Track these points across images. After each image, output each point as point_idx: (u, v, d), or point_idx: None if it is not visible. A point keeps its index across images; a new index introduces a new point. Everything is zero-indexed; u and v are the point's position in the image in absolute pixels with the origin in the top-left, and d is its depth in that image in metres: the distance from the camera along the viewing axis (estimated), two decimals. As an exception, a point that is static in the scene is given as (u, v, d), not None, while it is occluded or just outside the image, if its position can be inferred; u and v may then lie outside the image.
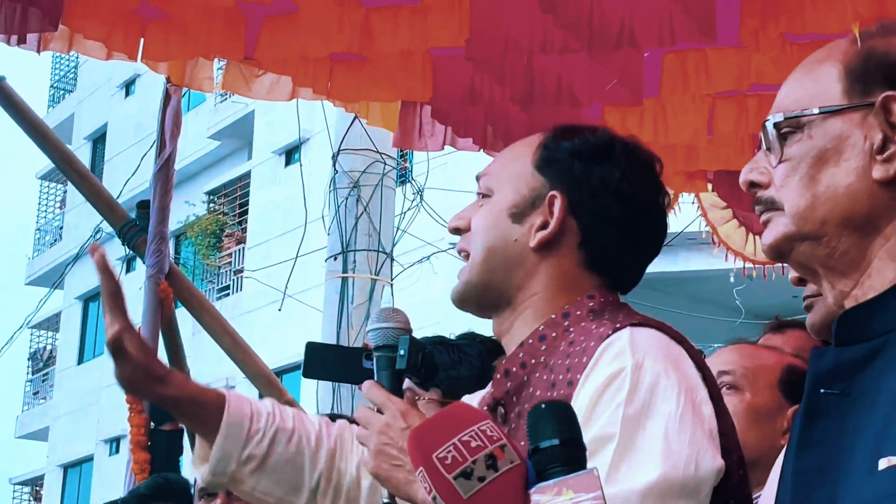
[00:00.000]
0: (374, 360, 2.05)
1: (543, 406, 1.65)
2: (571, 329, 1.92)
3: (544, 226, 1.98)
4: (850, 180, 1.48)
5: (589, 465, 1.64)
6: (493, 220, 2.01)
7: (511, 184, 2.02)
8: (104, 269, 2.08)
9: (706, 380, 1.87)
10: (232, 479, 2.19)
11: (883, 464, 1.33)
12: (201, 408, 2.18)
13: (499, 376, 1.96)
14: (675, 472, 1.71)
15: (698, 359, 1.90)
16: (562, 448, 1.59)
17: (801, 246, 1.52)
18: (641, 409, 1.75)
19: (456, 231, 2.07)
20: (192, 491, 4.75)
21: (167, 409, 2.25)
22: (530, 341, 1.95)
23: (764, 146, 1.56)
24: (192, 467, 2.25)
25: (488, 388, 2.04)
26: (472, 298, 2.04)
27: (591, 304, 1.96)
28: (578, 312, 1.94)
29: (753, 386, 2.60)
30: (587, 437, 1.68)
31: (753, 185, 1.58)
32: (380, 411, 1.95)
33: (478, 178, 2.07)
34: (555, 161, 2.02)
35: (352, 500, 2.23)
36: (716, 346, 4.06)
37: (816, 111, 1.51)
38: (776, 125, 1.54)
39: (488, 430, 1.63)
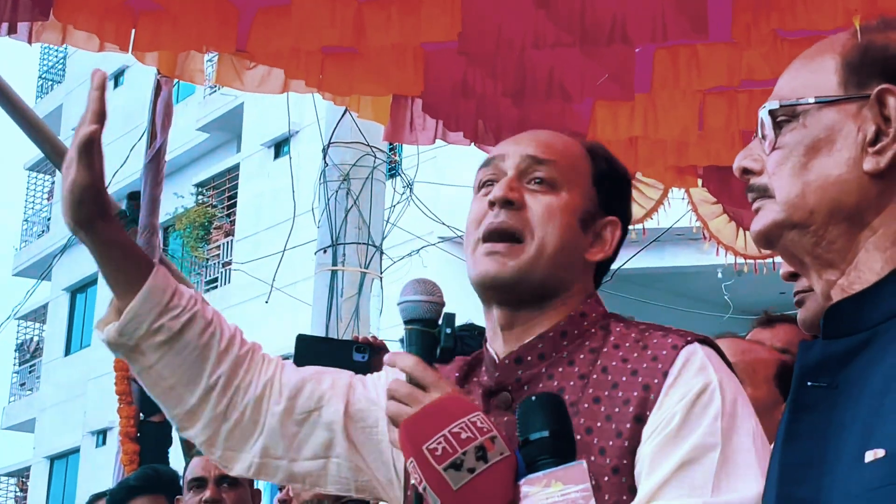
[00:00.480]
0: (406, 333, 1.95)
1: (534, 398, 1.66)
2: (592, 329, 1.96)
3: (594, 243, 2.03)
4: (840, 171, 1.48)
5: (692, 470, 1.69)
6: (566, 220, 1.99)
7: (579, 189, 2.02)
8: (100, 88, 2.12)
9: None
10: (136, 348, 2.10)
11: (869, 456, 1.34)
12: (130, 262, 2.09)
13: (507, 362, 1.95)
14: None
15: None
16: (551, 440, 1.60)
17: (789, 234, 1.52)
18: (731, 423, 1.78)
19: (507, 203, 1.97)
20: (181, 482, 4.75)
21: (97, 249, 2.08)
22: (551, 335, 1.95)
23: (759, 134, 1.57)
24: (96, 329, 2.15)
25: (483, 373, 2.02)
26: (528, 289, 1.96)
27: (599, 307, 2.02)
28: (594, 315, 1.98)
29: (752, 380, 2.60)
30: (687, 444, 1.73)
31: (746, 171, 1.59)
32: (419, 387, 1.86)
33: (535, 159, 2.01)
34: (609, 180, 2.06)
35: (248, 420, 2.14)
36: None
37: (812, 100, 1.52)
38: (771, 112, 1.55)
39: (479, 422, 1.63)
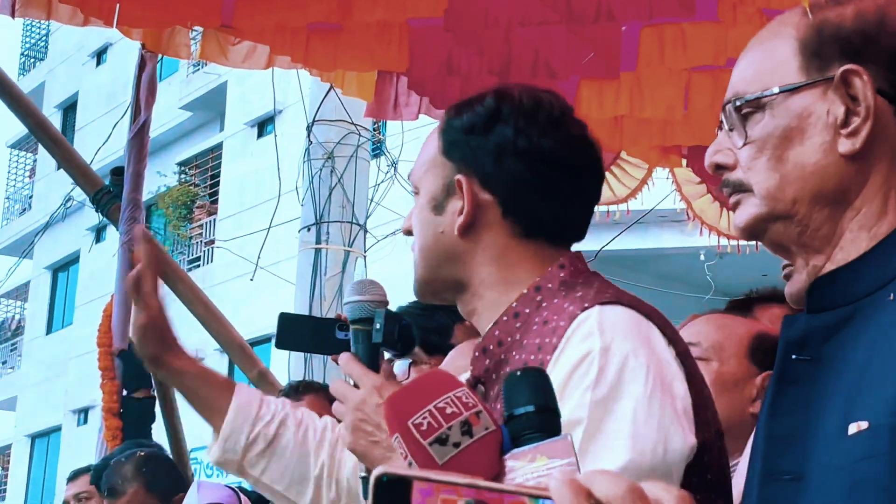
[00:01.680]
0: (351, 333, 2.04)
1: (518, 373, 1.66)
2: (545, 303, 1.89)
3: (462, 211, 1.95)
4: (816, 157, 1.48)
5: None
6: (421, 217, 2.00)
7: (428, 177, 2.00)
8: (148, 239, 2.29)
9: (681, 355, 1.84)
10: (241, 464, 2.23)
11: (853, 428, 1.34)
12: (209, 386, 2.23)
13: (477, 354, 1.94)
14: (643, 457, 1.69)
15: (671, 334, 1.86)
16: (537, 415, 1.60)
17: (773, 226, 1.52)
18: (609, 392, 1.72)
19: (407, 233, 2.08)
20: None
21: (174, 380, 2.26)
22: (505, 318, 1.91)
23: (726, 127, 1.55)
24: (207, 455, 2.27)
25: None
26: (427, 293, 2.05)
27: (561, 274, 1.92)
28: (550, 285, 1.90)
29: (720, 356, 2.61)
30: None
31: (719, 167, 1.57)
32: (356, 385, 1.97)
33: (409, 179, 2.09)
34: (454, 143, 1.97)
35: (351, 490, 2.26)
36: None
37: (776, 90, 1.50)
38: (737, 108, 1.53)
39: (464, 397, 1.63)
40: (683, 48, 4.00)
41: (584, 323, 1.77)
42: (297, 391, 4.04)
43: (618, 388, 1.72)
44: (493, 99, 1.98)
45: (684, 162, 5.01)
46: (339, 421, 2.02)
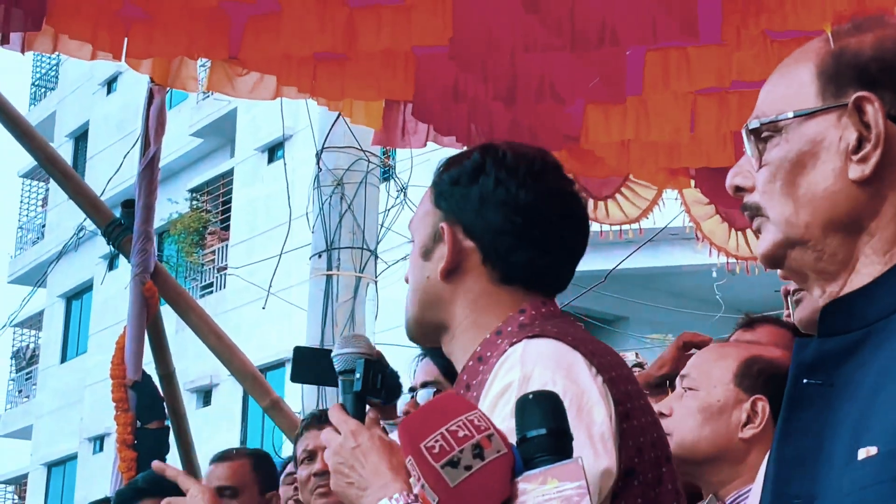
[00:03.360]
0: (340, 384, 2.10)
1: (531, 396, 1.68)
2: (505, 346, 1.97)
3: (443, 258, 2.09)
4: (827, 183, 1.48)
5: None
6: (413, 263, 2.14)
7: (420, 226, 2.15)
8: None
9: (610, 382, 1.93)
10: None
11: (862, 454, 1.34)
12: None
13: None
14: None
15: (603, 363, 1.95)
16: (548, 437, 1.62)
17: (792, 252, 1.52)
18: None
19: (408, 281, 2.18)
20: None
21: None
22: (470, 363, 2.02)
23: (748, 150, 1.56)
24: None
25: None
26: (416, 335, 2.17)
27: (521, 318, 2.02)
28: (510, 328, 2.00)
29: (706, 384, 2.63)
30: None
31: (739, 189, 1.58)
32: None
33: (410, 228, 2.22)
34: (442, 194, 2.12)
35: None
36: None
37: (791, 115, 1.51)
38: (754, 131, 1.54)
39: (476, 420, 1.65)
40: (688, 71, 4.01)
41: (510, 356, 1.89)
42: (320, 420, 4.06)
43: None
44: (479, 153, 2.13)
45: (692, 183, 5.01)
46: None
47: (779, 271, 2.72)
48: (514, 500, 1.58)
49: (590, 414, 1.86)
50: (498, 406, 1.82)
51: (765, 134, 1.53)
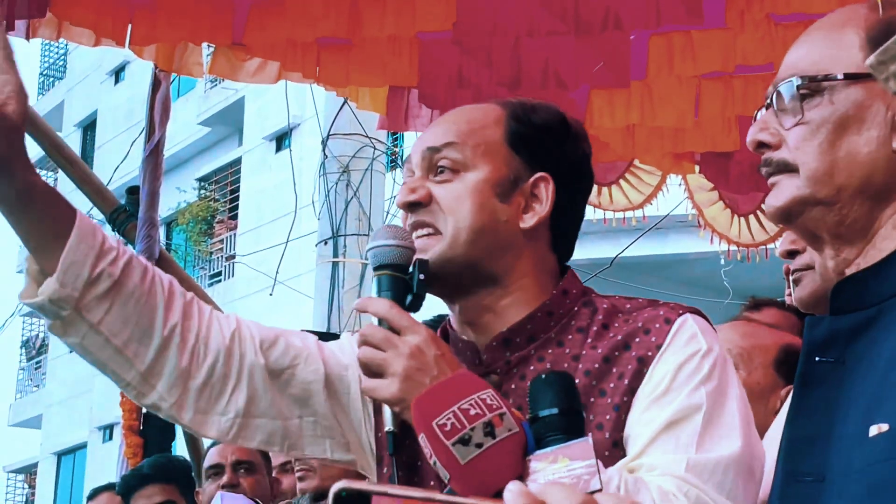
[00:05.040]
0: (377, 280, 1.89)
1: (544, 376, 1.68)
2: (575, 308, 1.94)
3: (527, 207, 1.95)
4: (870, 149, 1.48)
5: (677, 430, 1.74)
6: (480, 199, 1.92)
7: (487, 160, 1.94)
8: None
9: None
10: (78, 305, 1.86)
11: (873, 430, 1.35)
12: (55, 208, 1.83)
13: (494, 344, 1.93)
14: (750, 448, 1.78)
15: None
16: (561, 417, 1.63)
17: (812, 210, 1.51)
18: (719, 387, 1.80)
19: (413, 206, 1.94)
20: (194, 473, 4.77)
21: (16, 197, 1.78)
22: (539, 315, 1.92)
23: (776, 106, 1.55)
24: (23, 297, 1.90)
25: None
26: (454, 277, 1.92)
27: (576, 282, 1.99)
28: (574, 291, 1.96)
29: (748, 365, 2.62)
30: (673, 405, 1.76)
31: (762, 145, 1.57)
32: (393, 331, 1.84)
33: (433, 149, 1.95)
34: (528, 138, 1.96)
35: (218, 375, 1.99)
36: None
37: (840, 76, 1.51)
38: (798, 86, 1.53)
39: (488, 399, 1.65)
40: (692, 56, 4.00)
41: (683, 326, 1.86)
42: None
43: (724, 387, 1.82)
44: (555, 109, 2.03)
45: (697, 168, 5.01)
46: (368, 370, 1.84)
47: (780, 248, 2.71)
48: (525, 477, 1.59)
49: (743, 394, 1.87)
50: (685, 370, 1.80)
51: (803, 91, 1.53)
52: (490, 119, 1.98)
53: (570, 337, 1.92)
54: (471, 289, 1.94)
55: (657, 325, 1.86)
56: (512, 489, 1.13)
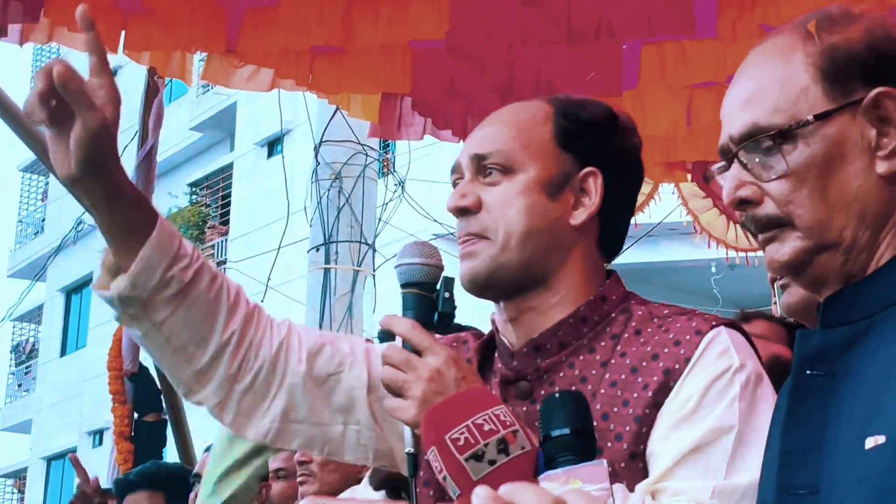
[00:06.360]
0: (403, 297, 1.89)
1: (557, 395, 1.66)
2: (612, 314, 1.91)
3: (577, 203, 1.93)
4: (859, 181, 1.47)
5: (707, 453, 1.69)
6: (530, 200, 1.90)
7: (536, 159, 1.93)
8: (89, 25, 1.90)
9: None
10: (146, 303, 1.92)
11: (869, 443, 1.35)
12: (138, 209, 1.90)
13: (525, 350, 1.91)
14: None
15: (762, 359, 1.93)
16: (573, 437, 1.61)
17: (820, 258, 1.50)
18: (750, 406, 1.75)
19: (462, 211, 1.93)
20: (189, 478, 4.77)
21: (107, 197, 1.86)
22: (571, 321, 1.90)
23: (744, 162, 1.53)
24: (95, 290, 1.99)
25: (497, 361, 1.98)
26: (506, 281, 1.91)
27: (619, 287, 1.96)
28: (614, 297, 1.93)
29: None
30: (702, 427, 1.71)
31: (745, 202, 1.54)
32: (415, 352, 1.84)
33: (480, 157, 1.94)
34: (576, 134, 1.94)
35: (262, 381, 2.03)
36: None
37: (811, 119, 1.48)
38: (771, 139, 1.50)
39: (502, 415, 1.64)
40: (684, 65, 4.01)
41: (715, 340, 1.81)
42: None
43: (757, 404, 1.76)
44: (606, 107, 2.00)
45: (689, 177, 5.02)
46: (392, 390, 1.84)
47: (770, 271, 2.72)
48: None
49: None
50: (717, 386, 1.75)
51: (768, 144, 1.50)
52: (539, 117, 1.97)
53: (602, 343, 1.88)
54: (520, 291, 1.93)
55: (687, 337, 1.82)
56: (480, 493, 1.13)
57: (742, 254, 5.58)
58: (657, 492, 1.70)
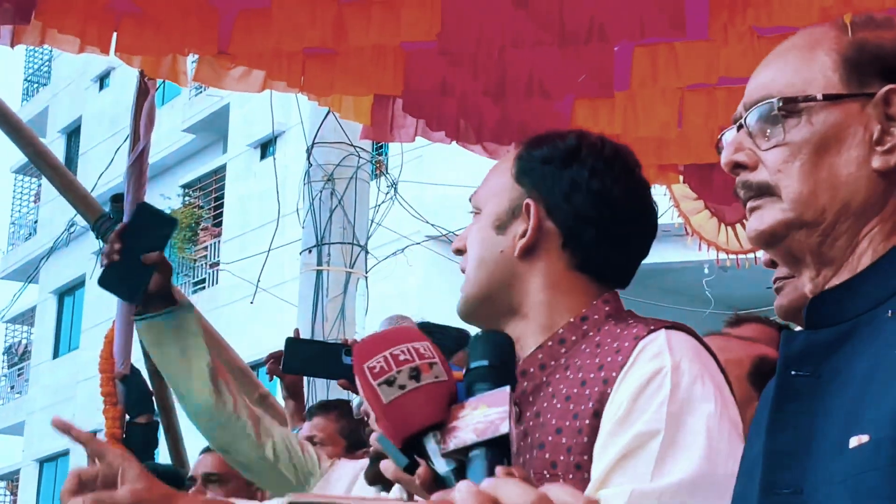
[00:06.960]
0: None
1: (480, 333, 1.79)
2: (591, 332, 1.97)
3: (523, 234, 2.03)
4: (850, 169, 1.50)
5: (634, 459, 1.75)
6: (482, 235, 2.06)
7: (494, 198, 2.08)
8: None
9: (728, 383, 1.94)
10: None
11: (853, 442, 1.36)
12: None
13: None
14: (716, 468, 1.76)
15: (720, 363, 1.95)
16: (490, 369, 1.71)
17: (797, 234, 1.52)
18: (682, 407, 1.79)
19: (458, 252, 2.12)
20: (183, 480, 4.77)
21: None
22: (550, 343, 1.98)
23: (749, 128, 1.56)
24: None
25: None
26: (474, 311, 2.08)
27: (606, 308, 2.01)
28: (596, 317, 1.99)
29: None
30: (630, 433, 1.76)
31: (738, 165, 1.57)
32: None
33: (470, 201, 2.13)
34: (529, 170, 2.06)
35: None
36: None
37: (819, 97, 1.52)
38: (777, 107, 1.54)
39: (422, 349, 1.74)
40: (676, 67, 4.02)
41: (651, 343, 1.86)
42: (325, 408, 4.20)
43: (690, 404, 1.80)
44: (575, 139, 2.08)
45: (681, 179, 5.03)
46: None
47: (763, 258, 2.72)
48: (449, 422, 1.66)
49: (733, 412, 1.86)
50: (647, 390, 1.79)
51: (777, 113, 1.54)
52: (508, 160, 2.12)
53: (576, 361, 1.94)
54: (499, 321, 2.05)
55: (626, 344, 1.88)
56: (462, 488, 1.15)
57: (733, 256, 5.59)
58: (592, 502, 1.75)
